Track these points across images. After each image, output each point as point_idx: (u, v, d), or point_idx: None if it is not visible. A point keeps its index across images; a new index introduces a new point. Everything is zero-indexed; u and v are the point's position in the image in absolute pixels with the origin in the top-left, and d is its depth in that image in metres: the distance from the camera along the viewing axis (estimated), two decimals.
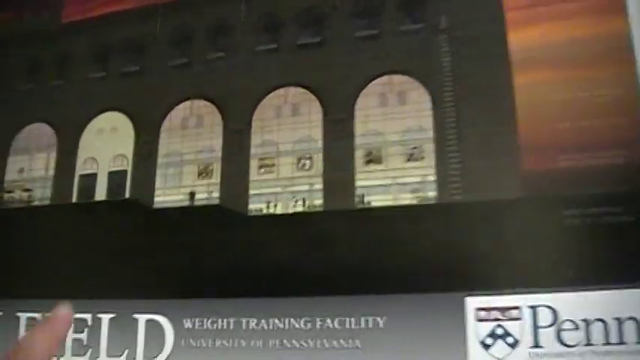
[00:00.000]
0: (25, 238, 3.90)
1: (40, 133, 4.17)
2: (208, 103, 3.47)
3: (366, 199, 2.79)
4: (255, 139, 3.18)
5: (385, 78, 2.96)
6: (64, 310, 1.87)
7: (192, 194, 3.56)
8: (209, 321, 3.20)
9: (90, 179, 4.22)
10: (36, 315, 3.68)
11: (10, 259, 3.88)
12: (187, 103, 3.60)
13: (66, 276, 3.52)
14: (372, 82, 2.97)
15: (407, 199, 2.73)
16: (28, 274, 3.62)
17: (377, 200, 2.83)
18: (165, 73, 3.72)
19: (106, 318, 3.32)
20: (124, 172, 3.91)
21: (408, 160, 2.76)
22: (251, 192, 3.11)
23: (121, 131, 3.75)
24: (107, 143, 3.89)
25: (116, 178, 3.85)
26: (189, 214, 3.44)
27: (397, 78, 2.94)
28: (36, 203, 4.11)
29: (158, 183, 3.64)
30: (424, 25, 2.88)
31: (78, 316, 3.28)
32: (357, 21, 3.08)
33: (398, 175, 2.81)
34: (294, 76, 3.21)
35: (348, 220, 2.88)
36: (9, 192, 4.29)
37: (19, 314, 3.93)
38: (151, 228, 3.68)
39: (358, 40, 3.07)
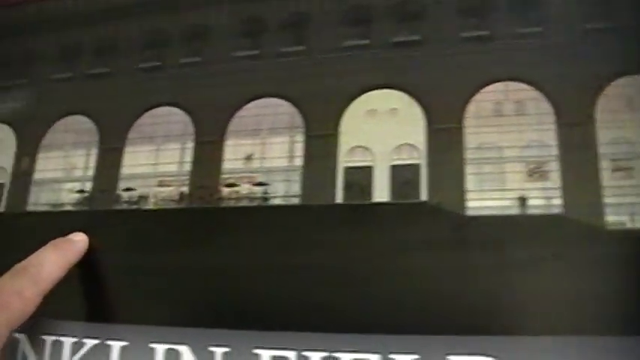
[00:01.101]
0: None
1: None
2: (527, 86, 3.20)
3: None
4: (605, 135, 2.86)
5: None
6: (79, 235, 2.33)
7: (522, 200, 3.07)
8: None
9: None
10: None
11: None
12: (499, 85, 3.30)
13: None
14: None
15: None
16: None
17: None
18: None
19: None
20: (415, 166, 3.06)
21: None
22: (606, 200, 2.74)
23: None
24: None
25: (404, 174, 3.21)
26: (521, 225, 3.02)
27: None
28: None
29: (470, 185, 2.90)
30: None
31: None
32: (463, 20, 2.96)
33: None
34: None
35: None
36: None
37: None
38: (463, 239, 2.62)
39: (465, 40, 2.96)
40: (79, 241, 2.17)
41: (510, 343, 3.39)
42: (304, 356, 3.20)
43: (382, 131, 3.29)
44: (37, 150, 4.63)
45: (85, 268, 3.70)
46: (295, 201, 3.29)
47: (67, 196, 4.57)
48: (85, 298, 3.90)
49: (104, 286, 3.79)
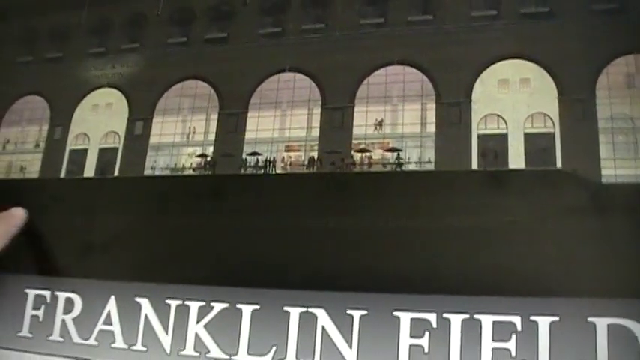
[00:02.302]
0: None
1: None
2: None
3: None
4: None
5: None
6: (19, 210, 2.32)
7: None
8: None
9: None
10: None
11: None
12: (629, 58, 2.99)
13: None
14: None
15: None
16: None
17: None
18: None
19: None
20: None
21: None
22: None
23: None
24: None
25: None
26: None
27: None
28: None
29: (603, 153, 3.04)
30: None
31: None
32: None
33: None
34: None
35: None
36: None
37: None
38: (599, 206, 2.84)
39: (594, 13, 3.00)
40: (17, 215, 2.27)
41: None
42: (445, 318, 3.54)
43: (515, 100, 3.50)
44: (152, 114, 5.05)
45: (210, 232, 4.09)
46: (429, 167, 3.58)
47: (188, 160, 4.99)
48: (210, 263, 4.31)
49: (230, 249, 4.16)
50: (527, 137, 2.98)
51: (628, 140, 2.94)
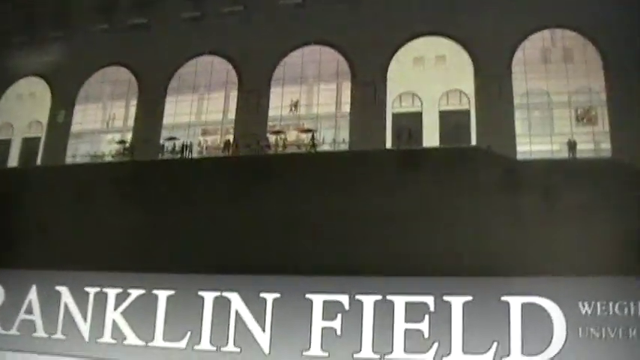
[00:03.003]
0: None
1: None
2: (574, 33, 2.71)
3: None
4: None
5: None
6: None
7: (572, 144, 2.76)
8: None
9: None
10: None
11: None
12: (546, 33, 2.97)
13: None
14: None
15: None
16: None
17: None
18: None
19: None
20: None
21: None
22: None
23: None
24: None
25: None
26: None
27: None
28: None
29: (519, 129, 2.90)
30: None
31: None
32: None
33: None
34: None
35: None
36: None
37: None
38: (514, 183, 2.66)
39: None
40: None
41: (562, 284, 3.46)
42: (357, 300, 3.28)
43: (430, 78, 3.33)
44: (74, 102, 4.75)
45: (120, 220, 3.78)
46: (344, 147, 3.38)
47: (108, 147, 4.71)
48: (129, 249, 3.99)
49: (148, 235, 3.87)
50: (443, 115, 2.75)
51: (544, 116, 2.76)
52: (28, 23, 6.36)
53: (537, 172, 3.19)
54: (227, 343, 3.70)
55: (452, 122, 3.77)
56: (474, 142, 3.82)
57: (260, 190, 3.37)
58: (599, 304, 3.90)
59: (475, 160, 3.33)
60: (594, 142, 3.72)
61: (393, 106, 4.02)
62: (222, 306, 3.64)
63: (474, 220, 3.07)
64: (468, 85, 4.11)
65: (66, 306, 4.00)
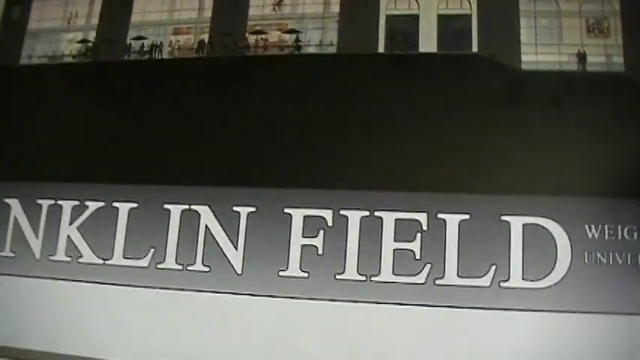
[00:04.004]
0: None
1: None
2: None
3: None
4: None
5: None
6: None
7: (581, 56, 2.33)
8: None
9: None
10: None
11: None
12: None
13: None
14: None
15: None
16: None
17: None
18: None
19: None
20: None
21: None
22: None
23: None
24: None
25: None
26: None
27: None
28: None
29: (525, 38, 2.48)
30: None
31: None
32: None
33: None
34: None
35: None
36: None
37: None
38: (518, 95, 2.07)
39: None
40: None
41: (568, 205, 3.02)
42: (342, 215, 2.80)
43: None
44: None
45: (86, 123, 3.19)
46: (332, 50, 2.91)
47: (68, 47, 4.06)
48: (89, 157, 3.39)
49: (110, 142, 3.28)
50: (441, 19, 2.18)
51: (552, 24, 2.25)
52: None
53: (543, 84, 2.93)
54: (195, 261, 3.41)
55: (451, 27, 3.42)
56: (475, 49, 3.50)
57: (236, 95, 3.04)
58: (606, 228, 3.69)
59: (476, 68, 3.04)
60: (606, 55, 3.44)
61: (387, 7, 3.64)
62: (190, 220, 3.31)
63: (473, 133, 2.79)
64: None
65: (15, 220, 3.65)
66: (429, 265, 2.98)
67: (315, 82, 2.92)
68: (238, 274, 3.11)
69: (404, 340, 2.83)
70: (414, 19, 2.89)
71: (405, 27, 2.83)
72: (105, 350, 3.42)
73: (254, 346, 2.86)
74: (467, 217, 2.82)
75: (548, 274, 3.50)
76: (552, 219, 3.03)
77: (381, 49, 3.00)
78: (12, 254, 3.55)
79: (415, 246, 2.92)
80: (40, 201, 3.53)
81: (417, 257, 2.91)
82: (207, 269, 3.26)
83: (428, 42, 2.77)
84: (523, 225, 3.18)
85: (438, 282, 3.02)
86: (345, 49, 2.87)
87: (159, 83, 3.44)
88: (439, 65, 2.76)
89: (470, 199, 2.90)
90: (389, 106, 2.71)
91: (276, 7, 3.31)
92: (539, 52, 2.64)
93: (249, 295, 3.04)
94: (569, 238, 3.36)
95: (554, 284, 3.63)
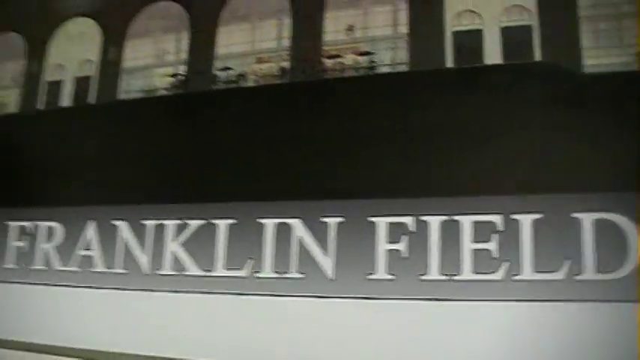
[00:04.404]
0: None
1: None
2: None
3: None
4: None
5: None
6: None
7: None
8: None
9: None
10: None
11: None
12: None
13: None
14: None
15: None
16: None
17: None
18: None
19: None
20: None
21: None
22: None
23: None
24: None
25: None
26: None
27: None
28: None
29: (584, 42, 2.54)
30: None
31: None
32: None
33: None
34: None
35: None
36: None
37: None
38: (581, 98, 2.64)
39: None
40: None
41: (632, 200, 3.13)
42: (423, 221, 3.02)
43: None
44: (124, 39, 4.44)
45: (188, 149, 3.52)
46: (403, 68, 3.07)
47: (160, 80, 4.41)
48: (187, 180, 3.75)
49: (205, 165, 3.62)
50: (504, 31, 2.41)
51: (612, 27, 2.41)
52: None
53: (605, 85, 2.95)
54: (290, 269, 3.59)
55: (514, 38, 3.47)
56: (538, 57, 3.53)
57: (318, 116, 3.19)
58: None
59: (540, 75, 3.10)
60: None
61: (452, 24, 3.72)
62: (283, 233, 3.50)
63: (542, 136, 2.85)
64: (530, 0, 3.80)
65: (124, 240, 3.90)
66: (505, 263, 3.05)
67: (390, 99, 3.05)
68: (330, 279, 3.26)
69: (485, 334, 2.91)
70: (478, 34, 2.97)
71: (470, 41, 2.91)
72: (210, 353, 3.63)
73: (346, 344, 2.98)
74: (539, 216, 2.89)
75: (620, 266, 3.51)
76: (622, 214, 3.06)
77: (449, 63, 3.09)
78: (123, 271, 3.80)
79: (492, 246, 3.00)
80: (145, 222, 3.79)
81: (494, 256, 2.98)
82: (303, 276, 3.43)
83: (492, 54, 2.84)
84: (594, 220, 3.21)
85: (514, 278, 3.09)
86: (416, 66, 2.98)
87: (246, 108, 3.63)
88: (505, 75, 2.84)
89: (541, 199, 2.97)
90: (459, 116, 2.81)
91: (349, 32, 3.43)
92: (600, 55, 2.67)
93: (341, 297, 3.18)
94: (639, 232, 3.38)
95: (626, 275, 3.63)
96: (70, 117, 4.76)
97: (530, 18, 2.81)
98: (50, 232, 3.67)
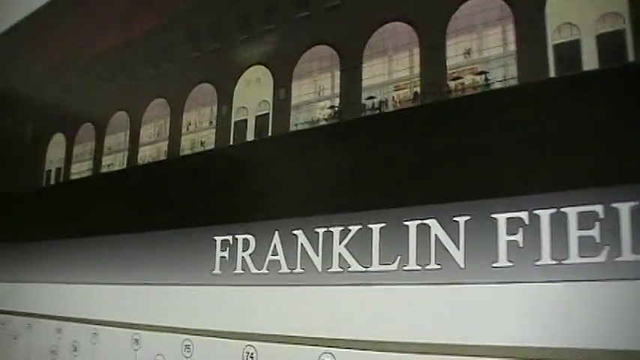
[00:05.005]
0: None
1: None
2: None
3: None
4: None
5: None
6: None
7: None
8: None
9: None
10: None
11: None
12: None
13: None
14: None
15: None
16: None
17: None
18: None
19: None
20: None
21: None
22: None
23: None
24: None
25: None
26: None
27: None
28: None
29: None
30: None
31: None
32: None
33: None
34: None
35: None
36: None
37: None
38: None
39: None
40: None
41: None
42: (535, 214, 3.60)
43: (584, 3, 3.37)
44: (291, 80, 5.39)
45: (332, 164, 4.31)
46: (514, 82, 3.60)
47: (321, 112, 5.32)
48: (347, 193, 4.57)
49: (361, 180, 4.41)
50: (600, 38, 3.02)
51: None
52: (244, 21, 6.95)
53: None
54: (430, 262, 3.93)
55: (608, 44, 3.45)
56: (631, 59, 3.47)
57: (446, 131, 3.49)
58: None
59: (634, 76, 3.12)
60: None
61: (553, 38, 3.74)
62: (423, 232, 3.87)
63: (633, 131, 2.92)
64: (622, 5, 3.69)
65: (302, 246, 4.44)
66: (607, 247, 3.18)
67: (503, 110, 3.30)
68: (462, 268, 3.57)
69: (592, 313, 3.03)
70: (576, 43, 3.04)
71: (570, 51, 3.00)
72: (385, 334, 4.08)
73: (477, 323, 3.28)
74: (637, 203, 3.02)
75: None
76: None
77: (552, 74, 3.17)
78: (302, 270, 4.39)
79: (595, 232, 3.16)
80: (316, 229, 4.41)
81: (597, 241, 3.13)
82: (440, 267, 3.79)
83: (590, 61, 2.90)
84: None
85: (616, 259, 3.19)
86: (524, 80, 3.13)
87: (388, 129, 4.04)
88: (602, 79, 2.96)
89: (637, 188, 3.09)
90: (564, 119, 2.99)
91: (467, 55, 3.63)
92: None
93: (472, 283, 3.50)
94: None
95: None
96: (254, 148, 5.64)
97: (623, 22, 2.91)
98: (245, 243, 4.53)
